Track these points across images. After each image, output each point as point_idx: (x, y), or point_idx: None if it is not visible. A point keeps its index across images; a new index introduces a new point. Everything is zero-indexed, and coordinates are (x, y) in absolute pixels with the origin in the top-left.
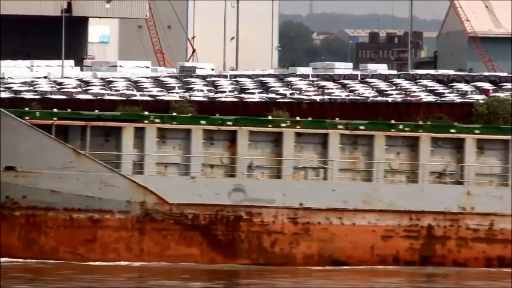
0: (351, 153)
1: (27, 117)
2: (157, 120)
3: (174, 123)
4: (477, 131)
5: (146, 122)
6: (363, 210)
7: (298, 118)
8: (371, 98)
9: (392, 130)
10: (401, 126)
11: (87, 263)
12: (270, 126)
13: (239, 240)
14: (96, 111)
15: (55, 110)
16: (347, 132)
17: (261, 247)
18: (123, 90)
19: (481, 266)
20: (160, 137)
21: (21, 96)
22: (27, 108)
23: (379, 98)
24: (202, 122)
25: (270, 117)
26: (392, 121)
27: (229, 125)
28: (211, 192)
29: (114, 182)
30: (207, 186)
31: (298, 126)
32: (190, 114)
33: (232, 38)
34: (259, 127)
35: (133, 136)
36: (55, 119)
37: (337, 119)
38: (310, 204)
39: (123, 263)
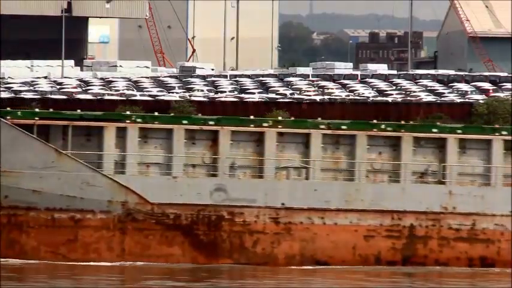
0: (333, 153)
1: (8, 117)
2: (139, 120)
3: (156, 122)
4: (459, 131)
5: (128, 121)
6: (345, 210)
7: (280, 118)
8: (371, 98)
9: (374, 130)
10: (383, 126)
11: (69, 263)
12: (252, 126)
13: (221, 240)
14: (78, 110)
15: (37, 110)
16: (329, 132)
17: (243, 247)
18: (123, 90)
19: (463, 266)
20: (142, 137)
21: (21, 96)
22: (8, 108)
23: (379, 98)
24: (184, 121)
25: (252, 117)
26: (375, 120)
27: (211, 125)
28: (192, 192)
29: (95, 181)
30: (188, 186)
31: (280, 126)
32: (172, 114)
33: (232, 38)
34: (241, 127)
35: (115, 136)
36: (37, 118)
37: (319, 118)
38: (292, 204)
39: (104, 263)
